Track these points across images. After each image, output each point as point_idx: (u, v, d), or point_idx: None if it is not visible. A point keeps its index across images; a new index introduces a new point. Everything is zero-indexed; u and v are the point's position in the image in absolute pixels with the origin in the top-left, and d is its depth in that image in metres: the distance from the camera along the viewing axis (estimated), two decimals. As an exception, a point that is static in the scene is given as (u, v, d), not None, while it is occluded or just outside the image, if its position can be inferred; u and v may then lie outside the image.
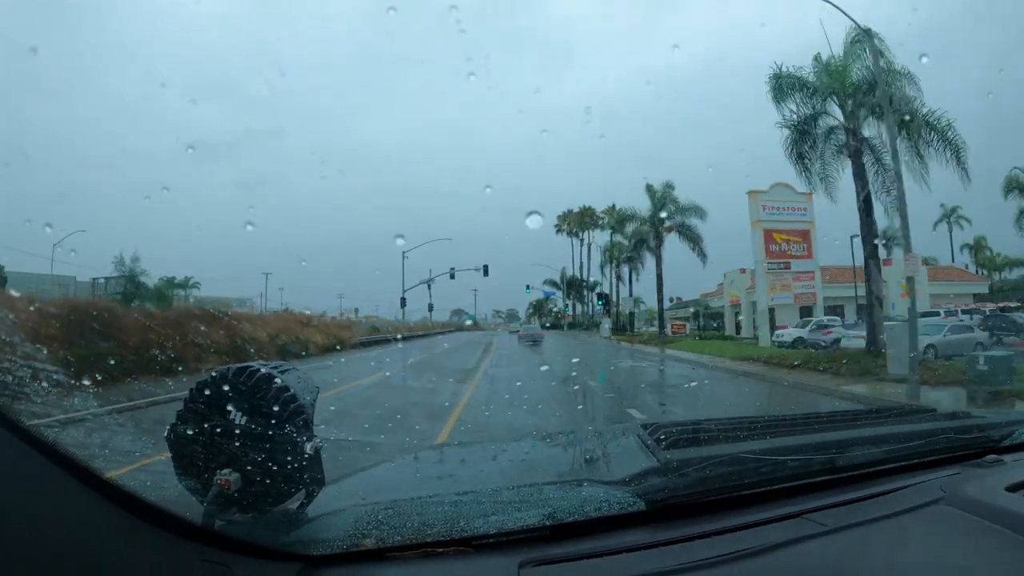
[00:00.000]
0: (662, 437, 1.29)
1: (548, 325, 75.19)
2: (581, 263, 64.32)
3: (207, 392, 0.96)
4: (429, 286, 44.39)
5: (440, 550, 0.91)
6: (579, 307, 68.85)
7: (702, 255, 33.01)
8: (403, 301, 41.42)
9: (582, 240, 63.52)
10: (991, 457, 1.24)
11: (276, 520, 0.98)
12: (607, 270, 54.76)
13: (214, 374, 0.98)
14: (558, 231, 63.45)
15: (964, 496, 1.03)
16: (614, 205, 52.70)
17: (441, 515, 0.97)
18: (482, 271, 39.03)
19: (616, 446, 1.63)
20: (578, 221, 61.59)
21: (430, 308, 47.99)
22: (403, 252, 40.61)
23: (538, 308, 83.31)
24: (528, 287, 61.86)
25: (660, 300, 36.07)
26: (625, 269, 50.21)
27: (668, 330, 36.74)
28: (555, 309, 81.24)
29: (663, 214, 33.24)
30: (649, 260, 39.78)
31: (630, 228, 41.77)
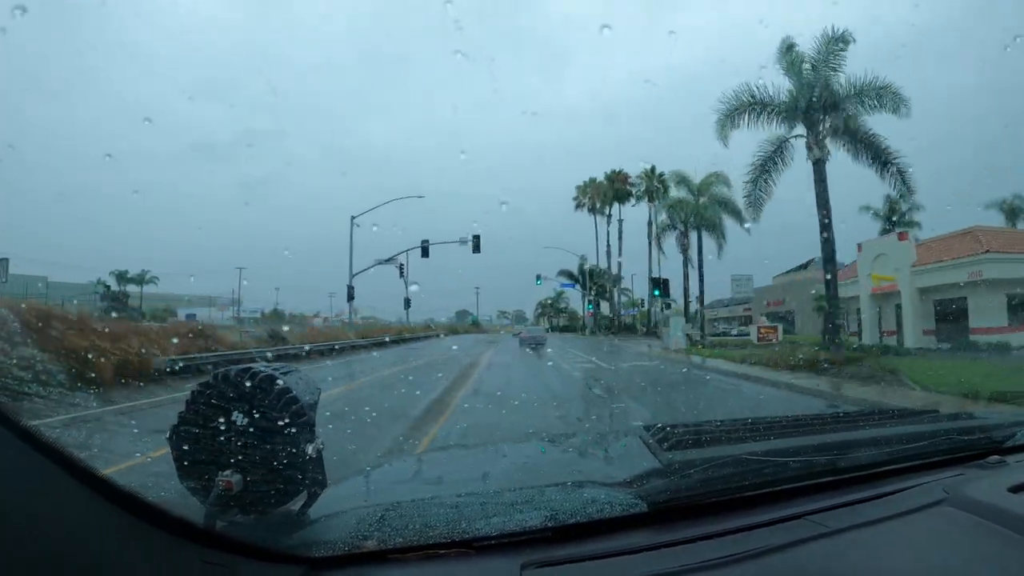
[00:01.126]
0: (664, 439, 1.29)
1: (561, 327, 63.60)
2: (608, 247, 47.62)
3: (209, 393, 0.96)
4: (402, 272, 32.57)
5: (442, 552, 0.91)
6: (601, 304, 53.02)
7: (903, 187, 16.52)
8: (350, 292, 29.59)
9: (609, 217, 47.47)
10: (994, 458, 1.24)
11: (278, 521, 0.98)
12: (665, 241, 35.74)
13: (216, 375, 0.98)
14: (578, 207, 49.01)
15: (967, 497, 1.03)
16: (653, 167, 40.56)
17: (443, 517, 0.97)
18: (471, 245, 27.93)
19: (618, 448, 1.63)
20: (605, 192, 46.82)
21: (406, 304, 36.08)
22: (352, 218, 28.82)
23: (547, 308, 74.24)
24: (539, 277, 45.95)
25: (831, 267, 16.23)
26: (680, 251, 33.03)
27: (754, 336, 24.40)
28: (568, 308, 70.14)
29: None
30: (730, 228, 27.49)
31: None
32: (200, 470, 0.94)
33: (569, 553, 0.91)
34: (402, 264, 33.55)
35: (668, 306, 30.65)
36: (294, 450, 0.95)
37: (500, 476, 1.43)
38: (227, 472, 0.91)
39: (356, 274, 29.57)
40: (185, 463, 0.95)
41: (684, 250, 32.63)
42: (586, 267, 51.71)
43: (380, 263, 30.99)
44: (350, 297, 30.10)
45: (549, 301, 73.58)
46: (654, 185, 40.81)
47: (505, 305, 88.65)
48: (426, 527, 0.93)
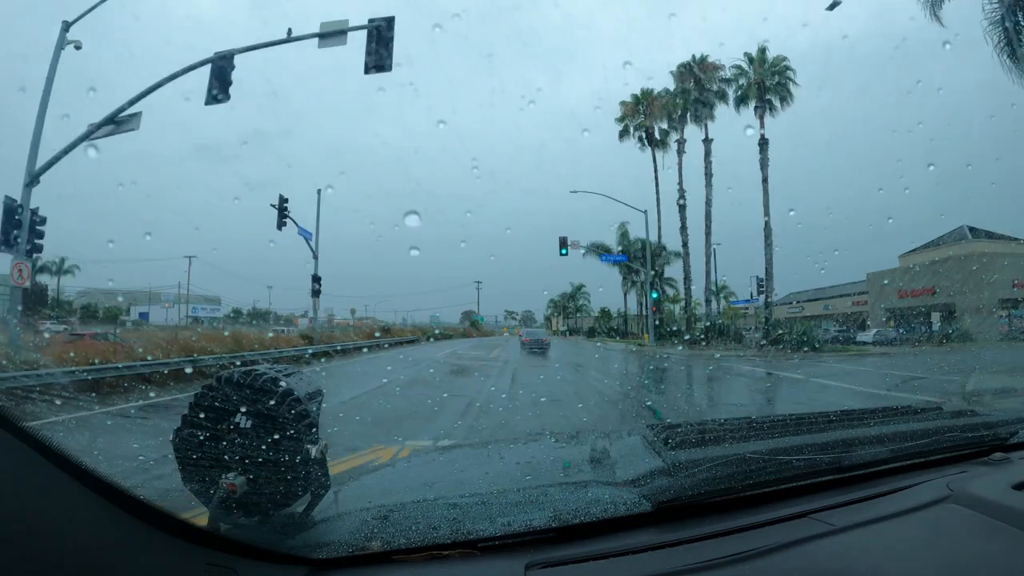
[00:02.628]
0: (668, 438, 1.29)
1: (588, 331, 47.17)
2: (681, 192, 28.27)
3: (212, 396, 0.96)
4: (283, 215, 18.00)
5: (446, 552, 0.90)
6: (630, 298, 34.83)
7: None
8: (8, 215, 10.88)
9: (681, 144, 28.19)
10: (998, 455, 1.24)
11: (282, 523, 0.98)
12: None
13: (220, 378, 0.98)
14: (624, 135, 30.15)
15: (971, 494, 1.03)
16: (764, 48, 24.16)
17: (446, 517, 0.97)
18: (373, 56, 11.31)
19: (622, 447, 1.62)
20: (678, 99, 27.59)
21: (315, 291, 22.15)
22: (64, 25, 11.86)
23: (560, 306, 62.87)
24: (564, 245, 27.33)
25: None
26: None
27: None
28: (587, 306, 56.12)
29: None
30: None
31: None
32: (204, 473, 0.94)
33: (573, 553, 0.91)
34: (284, 201, 17.58)
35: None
36: (298, 452, 0.95)
37: (504, 476, 1.43)
38: (231, 475, 0.91)
39: (46, 167, 11.98)
40: (189, 466, 0.95)
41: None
42: (630, 242, 32.83)
43: (97, 131, 11.94)
44: (30, 238, 11.74)
45: (554, 300, 63.48)
46: (768, 76, 22.78)
47: (515, 307, 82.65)
48: (430, 528, 0.93)
